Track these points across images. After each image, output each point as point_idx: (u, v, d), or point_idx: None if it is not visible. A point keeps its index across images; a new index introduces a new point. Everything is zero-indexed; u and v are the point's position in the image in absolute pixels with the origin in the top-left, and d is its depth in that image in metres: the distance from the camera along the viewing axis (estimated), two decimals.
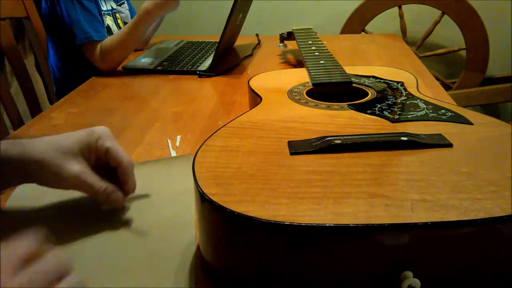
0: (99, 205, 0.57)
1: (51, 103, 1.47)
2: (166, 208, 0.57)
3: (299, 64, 1.19)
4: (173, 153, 0.72)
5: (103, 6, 1.27)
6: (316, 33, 1.12)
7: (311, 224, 0.35)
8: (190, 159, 0.68)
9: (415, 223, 0.34)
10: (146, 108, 0.91)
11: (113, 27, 1.31)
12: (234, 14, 1.09)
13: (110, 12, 1.31)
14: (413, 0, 1.96)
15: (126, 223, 0.53)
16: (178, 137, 0.77)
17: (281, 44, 1.28)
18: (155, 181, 0.62)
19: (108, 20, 1.29)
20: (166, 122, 0.84)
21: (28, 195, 0.60)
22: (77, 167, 0.51)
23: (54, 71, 1.31)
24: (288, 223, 0.35)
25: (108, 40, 1.15)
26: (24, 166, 0.50)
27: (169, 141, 0.75)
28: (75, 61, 1.24)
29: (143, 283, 0.45)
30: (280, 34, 1.27)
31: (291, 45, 1.27)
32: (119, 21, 1.35)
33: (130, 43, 1.14)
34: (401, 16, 1.99)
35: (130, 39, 1.13)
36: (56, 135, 0.54)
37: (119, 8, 1.38)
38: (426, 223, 0.34)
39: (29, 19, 1.31)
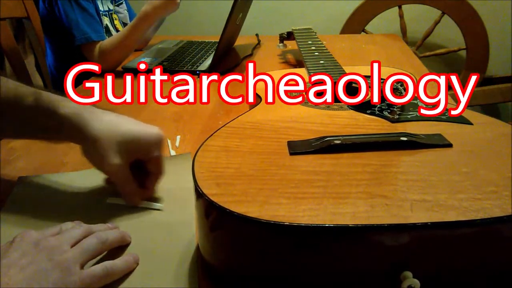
0: (99, 203, 0.57)
1: None
2: (165, 207, 0.57)
3: (298, 64, 1.19)
4: (173, 153, 0.72)
5: (100, 7, 1.27)
6: (315, 33, 1.12)
7: (311, 224, 0.35)
8: (188, 158, 0.68)
9: (414, 224, 0.34)
10: (146, 108, 0.91)
11: (111, 28, 1.31)
12: (234, 14, 1.09)
13: (107, 13, 1.31)
14: (413, 0, 1.96)
15: (125, 223, 0.54)
16: (178, 137, 0.77)
17: (281, 44, 1.29)
18: None
19: (106, 21, 1.29)
20: (166, 122, 0.84)
21: (29, 190, 0.60)
22: (118, 161, 0.54)
23: (52, 71, 1.31)
24: (288, 223, 0.35)
25: (108, 41, 1.15)
26: (79, 133, 0.54)
27: (169, 141, 0.75)
28: (73, 61, 1.24)
29: (143, 283, 0.45)
30: (280, 34, 1.27)
31: (291, 45, 1.27)
32: (115, 22, 1.35)
33: (129, 44, 1.15)
34: (401, 16, 1.99)
35: (129, 40, 1.14)
36: (119, 116, 0.57)
37: (117, 8, 1.38)
38: (426, 223, 0.34)
39: (29, 19, 1.31)
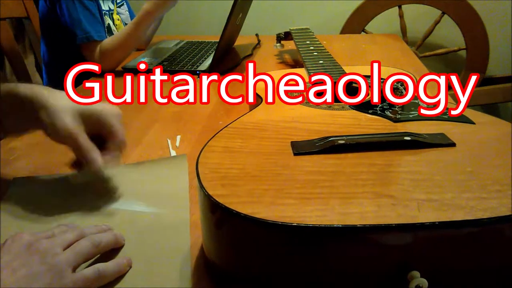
0: (94, 204, 0.57)
1: None
2: (159, 209, 0.56)
3: (297, 64, 1.19)
4: (173, 153, 0.71)
5: (102, 6, 1.27)
6: (313, 33, 1.12)
7: (319, 225, 0.35)
8: (183, 159, 0.67)
9: (422, 223, 0.34)
10: (146, 108, 0.91)
11: (112, 27, 1.31)
12: (234, 14, 1.09)
13: (108, 12, 1.31)
14: (413, 0, 1.96)
15: (120, 225, 0.53)
16: (178, 137, 0.77)
17: (278, 44, 1.28)
18: (148, 182, 0.61)
19: (108, 20, 1.29)
20: (166, 122, 0.84)
21: (24, 192, 0.60)
22: (74, 124, 0.54)
23: (51, 71, 1.30)
24: (295, 224, 0.35)
25: (109, 41, 1.15)
26: (38, 106, 0.54)
27: (169, 141, 0.75)
28: (71, 61, 1.24)
29: (137, 284, 0.44)
30: (277, 34, 1.26)
31: (290, 45, 1.27)
32: (116, 21, 1.35)
33: (130, 43, 1.15)
34: (401, 16, 1.99)
35: (130, 39, 1.14)
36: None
37: (118, 9, 1.38)
38: (434, 223, 0.34)
39: (29, 19, 1.31)
